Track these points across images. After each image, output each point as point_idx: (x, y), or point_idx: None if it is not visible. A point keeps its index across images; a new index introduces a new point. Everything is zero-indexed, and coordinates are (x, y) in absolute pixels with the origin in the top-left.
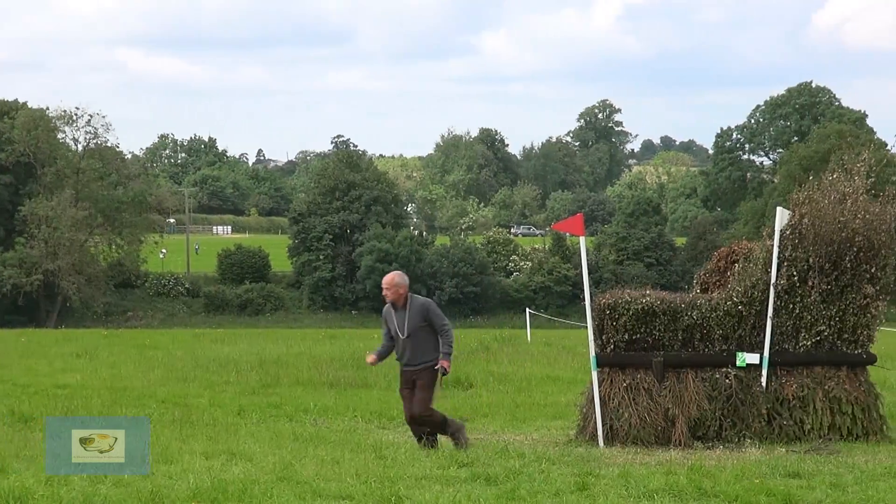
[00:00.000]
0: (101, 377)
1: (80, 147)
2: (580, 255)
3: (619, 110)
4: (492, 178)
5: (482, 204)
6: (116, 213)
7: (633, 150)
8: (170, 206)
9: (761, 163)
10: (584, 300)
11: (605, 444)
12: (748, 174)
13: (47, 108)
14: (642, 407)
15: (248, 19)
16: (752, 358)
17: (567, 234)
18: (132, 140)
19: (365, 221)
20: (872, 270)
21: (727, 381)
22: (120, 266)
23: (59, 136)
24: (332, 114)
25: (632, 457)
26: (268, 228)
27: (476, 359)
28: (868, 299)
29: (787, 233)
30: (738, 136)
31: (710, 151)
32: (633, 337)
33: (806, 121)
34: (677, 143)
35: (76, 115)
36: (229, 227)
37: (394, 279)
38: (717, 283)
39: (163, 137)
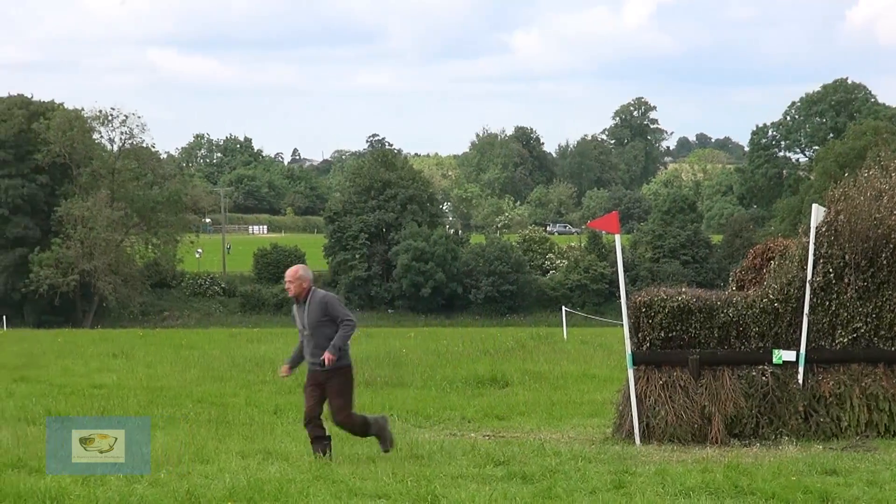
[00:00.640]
0: (137, 377)
1: (115, 147)
2: (616, 253)
3: (654, 108)
4: (527, 176)
5: (518, 202)
6: (152, 213)
7: (668, 147)
8: (205, 206)
9: (797, 160)
10: (620, 298)
11: (641, 441)
12: (784, 171)
13: (82, 109)
14: (679, 404)
15: (278, 19)
16: (789, 355)
17: (603, 231)
18: (167, 140)
19: (400, 220)
20: None
21: (764, 378)
22: (156, 266)
23: (95, 136)
24: (367, 113)
25: (668, 454)
26: (303, 228)
27: (512, 357)
28: None
29: (823, 230)
30: (774, 133)
31: (746, 149)
32: (670, 335)
33: (842, 118)
34: (713, 140)
35: (112, 115)
36: (265, 227)
37: (297, 272)
38: (754, 281)
39: (198, 137)
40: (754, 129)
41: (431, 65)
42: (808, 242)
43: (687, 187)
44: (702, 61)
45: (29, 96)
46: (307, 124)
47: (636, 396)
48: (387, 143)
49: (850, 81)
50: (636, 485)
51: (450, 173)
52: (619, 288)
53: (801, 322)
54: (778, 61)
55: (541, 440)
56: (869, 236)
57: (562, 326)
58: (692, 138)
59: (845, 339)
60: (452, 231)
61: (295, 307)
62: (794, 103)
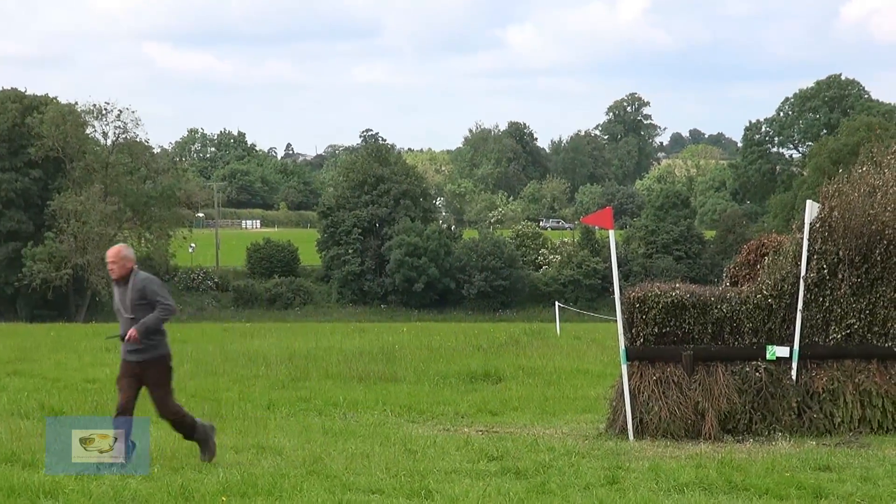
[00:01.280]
0: None
1: (109, 142)
2: (609, 249)
3: (648, 103)
4: (520, 171)
5: (511, 197)
6: (145, 208)
7: (661, 143)
8: (199, 201)
9: (790, 156)
10: (613, 293)
11: (634, 437)
12: (777, 167)
13: (76, 103)
14: (672, 400)
15: (274, 14)
16: (783, 351)
17: (596, 227)
18: (161, 134)
19: (394, 215)
20: None
21: (757, 374)
22: (149, 261)
23: (89, 130)
24: (360, 108)
25: (662, 450)
26: (297, 222)
27: (506, 352)
28: None
29: (817, 226)
30: (767, 128)
31: (739, 144)
32: (663, 330)
33: (835, 114)
34: (706, 136)
35: (106, 109)
36: (258, 222)
37: (120, 251)
38: (747, 277)
39: (192, 132)
40: (747, 124)
41: (426, 60)
42: (802, 238)
43: (680, 183)
44: (696, 57)
45: (23, 90)
46: (301, 119)
47: (630, 392)
48: (380, 138)
49: (843, 77)
50: (630, 480)
51: (443, 168)
52: (612, 283)
53: (795, 318)
54: (772, 57)
55: (534, 435)
56: (863, 232)
57: (555, 322)
58: (685, 134)
59: (839, 336)
60: (445, 226)
61: (115, 289)
62: (787, 99)
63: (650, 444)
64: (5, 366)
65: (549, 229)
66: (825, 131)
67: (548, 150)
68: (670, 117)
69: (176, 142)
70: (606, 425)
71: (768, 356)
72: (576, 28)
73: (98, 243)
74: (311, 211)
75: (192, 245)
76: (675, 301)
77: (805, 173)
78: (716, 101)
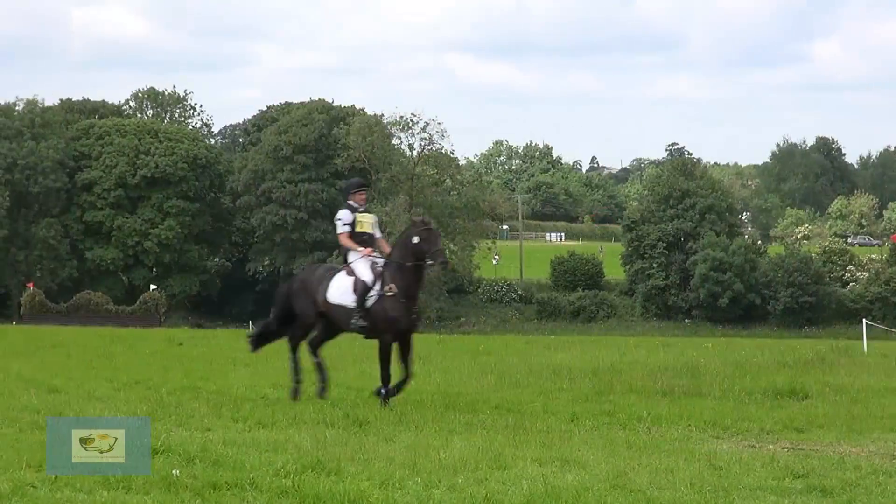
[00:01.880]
0: (434, 382)
1: (414, 153)
2: None
3: None
4: (828, 186)
5: (818, 213)
6: (450, 219)
7: None
8: (503, 213)
9: None
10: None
11: None
12: None
13: (382, 115)
14: None
15: (577, 26)
16: None
17: None
18: (467, 146)
19: (699, 229)
20: None
21: None
22: (453, 272)
23: (395, 141)
24: (664, 121)
25: None
26: (601, 236)
27: (812, 369)
28: None
29: None
30: None
31: None
32: None
33: None
34: None
35: (412, 121)
36: (562, 234)
37: None
38: None
39: (497, 144)
40: None
41: (730, 73)
42: None
43: None
44: None
45: (330, 101)
46: (605, 132)
47: None
48: (686, 152)
49: None
50: None
51: (749, 183)
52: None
53: None
54: None
55: (840, 454)
56: None
57: (862, 339)
58: None
59: None
60: (751, 241)
61: None
62: None
63: None
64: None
65: (857, 245)
66: None
67: (856, 166)
68: None
69: (482, 153)
70: None
71: None
72: (883, 42)
73: None
74: (616, 224)
75: (497, 256)
76: None
77: None
78: None
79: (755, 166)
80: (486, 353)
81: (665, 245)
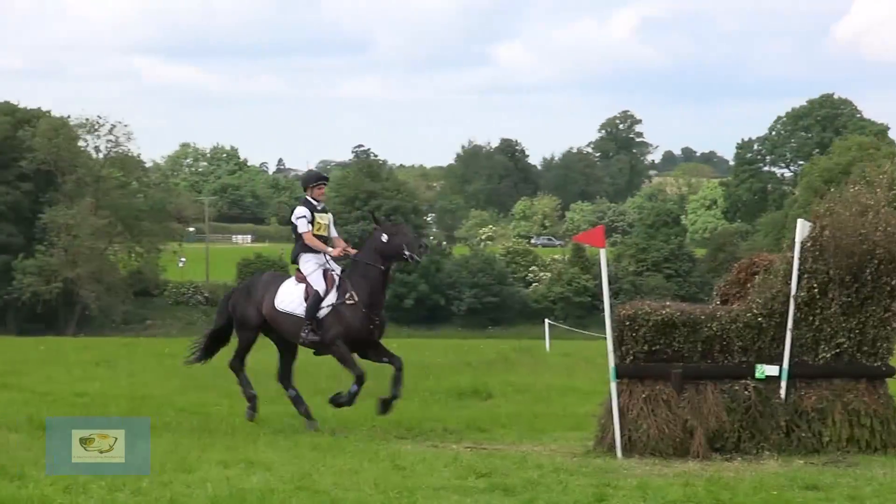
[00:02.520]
0: (120, 385)
1: (101, 155)
2: (600, 267)
3: (640, 121)
4: (512, 188)
5: (502, 214)
6: (136, 222)
7: (653, 161)
8: (189, 215)
9: (782, 174)
10: (603, 311)
11: (623, 455)
12: (769, 186)
13: (69, 117)
14: (661, 418)
15: (264, 27)
16: (772, 370)
17: (587, 245)
18: (153, 148)
19: None
20: (893, 283)
21: (746, 392)
22: (139, 274)
23: (81, 144)
24: (351, 123)
25: (650, 468)
26: (287, 237)
27: (495, 369)
28: (888, 312)
29: (808, 245)
30: (759, 147)
31: (731, 163)
32: (653, 348)
33: (827, 133)
34: (698, 154)
35: (98, 123)
36: (249, 236)
37: None
38: (737, 295)
39: (184, 146)
40: (739, 143)
41: (417, 75)
42: (793, 257)
43: (671, 201)
44: (687, 75)
45: (15, 103)
46: (292, 134)
47: (619, 410)
48: (372, 154)
49: (836, 97)
50: (618, 498)
51: (435, 184)
52: (602, 301)
53: (785, 337)
54: (763, 75)
55: (523, 452)
56: (854, 252)
57: (545, 339)
58: (677, 152)
59: (828, 355)
60: (436, 242)
61: None
62: (779, 118)
63: (638, 462)
64: None
65: (540, 246)
66: (817, 150)
67: (539, 167)
68: (662, 135)
69: (168, 156)
70: (595, 443)
71: (758, 375)
72: (566, 45)
73: (88, 257)
74: None
75: (182, 259)
76: (666, 319)
77: (796, 192)
78: (707, 119)
79: (440, 168)
80: (172, 356)
81: (351, 246)
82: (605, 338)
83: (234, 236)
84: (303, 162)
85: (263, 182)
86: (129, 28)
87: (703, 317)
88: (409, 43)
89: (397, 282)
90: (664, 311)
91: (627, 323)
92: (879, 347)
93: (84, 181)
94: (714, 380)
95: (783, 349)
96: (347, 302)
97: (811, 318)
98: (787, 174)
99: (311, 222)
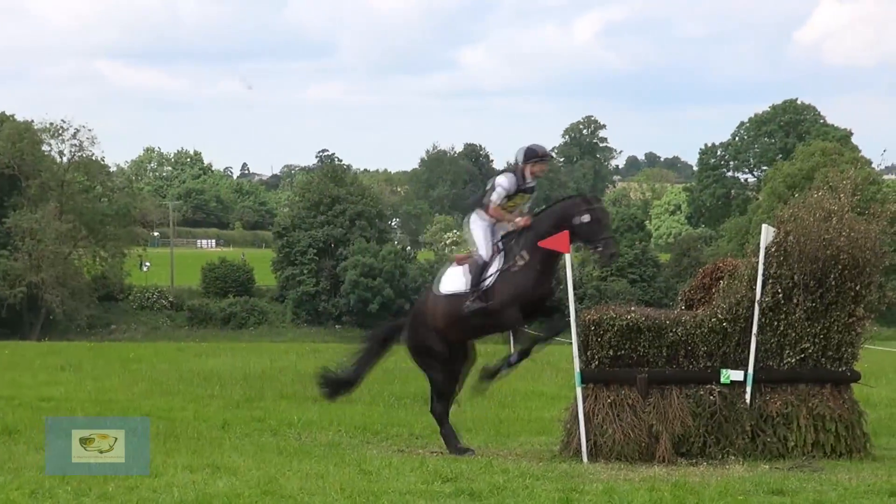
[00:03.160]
0: (85, 390)
1: (65, 160)
2: (565, 272)
3: (604, 126)
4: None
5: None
6: (100, 226)
7: (617, 166)
8: (154, 220)
9: (746, 180)
10: (568, 316)
11: (588, 459)
12: (732, 191)
13: (32, 121)
14: (626, 423)
15: (228, 32)
16: (737, 375)
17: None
18: (117, 153)
19: (349, 236)
20: (857, 288)
21: (711, 397)
22: (103, 279)
23: (45, 148)
24: (316, 128)
25: (615, 473)
26: (252, 242)
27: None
28: (853, 317)
29: (772, 250)
30: (723, 152)
31: (695, 168)
32: (618, 353)
33: (791, 138)
34: (662, 159)
35: (62, 127)
36: (213, 241)
37: None
38: (702, 300)
39: (148, 150)
40: (703, 148)
41: (381, 79)
42: (757, 263)
43: (635, 206)
44: (650, 80)
45: None
46: (257, 139)
47: (584, 415)
48: (336, 159)
49: (799, 102)
50: (584, 502)
51: (399, 189)
52: (567, 306)
53: (750, 342)
54: (726, 80)
55: (488, 457)
56: (818, 257)
57: (509, 343)
58: (641, 157)
59: (793, 360)
60: (401, 247)
61: None
62: (742, 123)
63: (604, 467)
64: None
65: None
66: (780, 156)
67: None
68: (626, 140)
69: (133, 160)
70: (561, 448)
71: (723, 380)
72: (530, 50)
73: (52, 261)
74: (267, 231)
75: (147, 264)
76: (630, 324)
77: (760, 198)
78: (671, 124)
79: (405, 172)
80: (137, 361)
81: (315, 251)
82: (571, 343)
83: (198, 241)
84: (267, 167)
85: (228, 186)
86: (93, 31)
87: (668, 322)
88: (373, 47)
89: (362, 286)
90: (629, 316)
91: (593, 328)
92: (844, 352)
93: (48, 185)
94: (679, 384)
95: (748, 354)
96: (519, 263)
97: (776, 323)
98: (751, 179)
99: (509, 198)
